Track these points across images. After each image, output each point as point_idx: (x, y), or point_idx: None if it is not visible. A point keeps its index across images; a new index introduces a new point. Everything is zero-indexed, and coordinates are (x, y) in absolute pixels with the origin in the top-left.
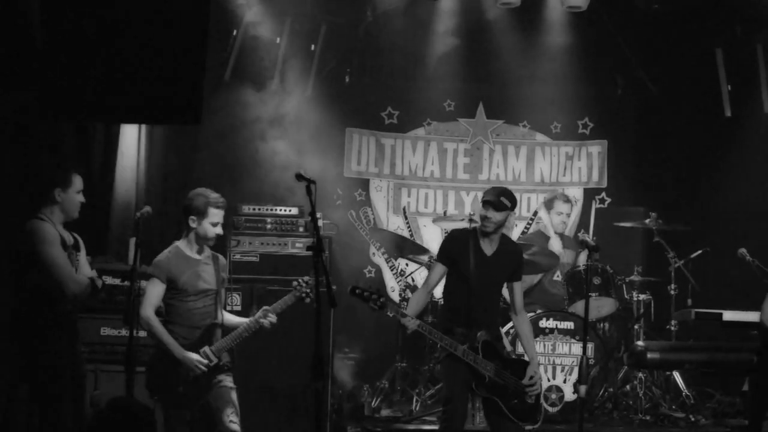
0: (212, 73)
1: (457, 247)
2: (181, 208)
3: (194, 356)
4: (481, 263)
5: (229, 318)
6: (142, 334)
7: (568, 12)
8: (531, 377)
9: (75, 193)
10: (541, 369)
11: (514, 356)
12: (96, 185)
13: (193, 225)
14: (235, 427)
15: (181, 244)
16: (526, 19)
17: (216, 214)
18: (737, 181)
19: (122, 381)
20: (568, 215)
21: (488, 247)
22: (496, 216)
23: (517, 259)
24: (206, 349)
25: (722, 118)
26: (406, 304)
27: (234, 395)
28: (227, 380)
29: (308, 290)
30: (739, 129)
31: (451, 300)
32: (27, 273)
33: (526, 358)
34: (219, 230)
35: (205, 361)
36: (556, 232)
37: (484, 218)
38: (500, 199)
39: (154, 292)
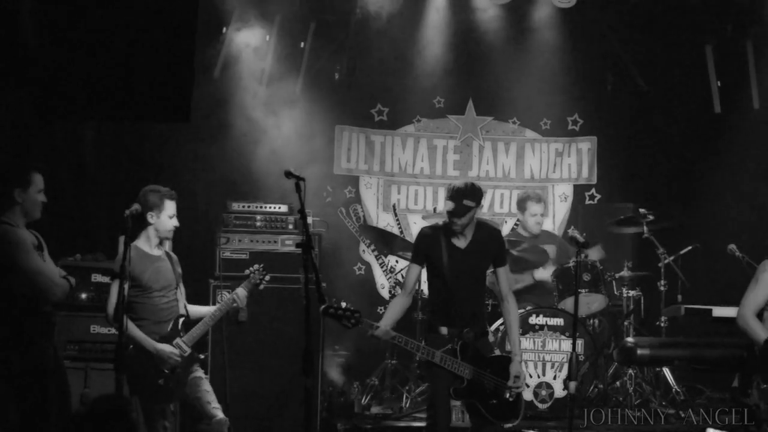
0: (201, 71)
1: (428, 244)
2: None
3: (168, 347)
4: (455, 257)
5: (195, 309)
6: None
7: (557, 8)
8: (516, 377)
9: (36, 193)
10: (531, 366)
11: (497, 352)
12: (86, 183)
13: (151, 221)
14: (221, 413)
15: (139, 242)
16: (516, 15)
17: (171, 206)
18: (727, 177)
19: (112, 379)
20: (542, 215)
21: (461, 240)
22: (462, 220)
23: (496, 244)
24: (179, 340)
25: (712, 114)
26: None
27: (208, 384)
28: (199, 371)
29: (261, 277)
30: (729, 125)
31: (433, 297)
32: (4, 280)
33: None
34: (176, 222)
35: (178, 351)
36: (531, 234)
37: (452, 223)
38: (463, 204)
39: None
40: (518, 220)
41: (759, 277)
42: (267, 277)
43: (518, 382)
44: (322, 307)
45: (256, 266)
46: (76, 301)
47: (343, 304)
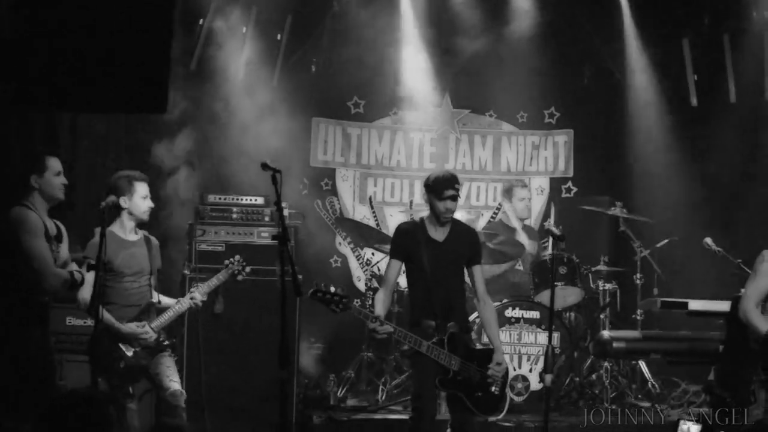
0: (178, 62)
1: (408, 240)
2: (106, 195)
3: (135, 327)
4: (435, 251)
5: (164, 299)
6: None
7: (534, 1)
8: (498, 364)
9: (53, 176)
10: (507, 358)
11: (481, 346)
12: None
13: (124, 205)
14: (176, 385)
15: (114, 228)
16: (493, 7)
17: (142, 187)
18: (703, 170)
19: (87, 371)
20: (530, 199)
21: (439, 234)
22: (456, 205)
23: (472, 241)
24: (145, 325)
25: (688, 107)
26: (372, 293)
27: (172, 361)
28: (166, 353)
29: (240, 268)
30: (705, 119)
31: (414, 292)
32: (4, 260)
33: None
34: (150, 203)
35: (145, 331)
36: (521, 219)
37: (448, 211)
38: (457, 188)
39: (91, 275)
40: (504, 210)
41: (758, 268)
42: (247, 269)
43: (498, 368)
44: (311, 290)
45: (237, 257)
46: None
47: (332, 288)
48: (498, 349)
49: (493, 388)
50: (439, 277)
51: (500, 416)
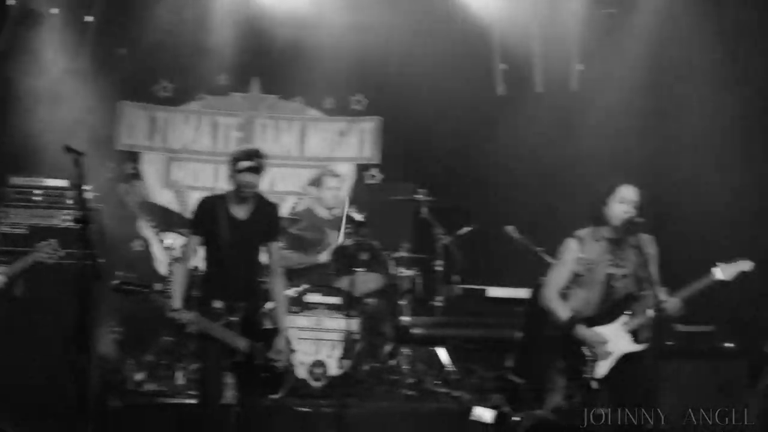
0: None
1: (207, 215)
2: None
3: None
4: (234, 229)
5: None
6: None
7: None
8: (279, 351)
9: None
10: (308, 344)
11: (270, 326)
12: None
13: None
14: None
15: None
16: None
17: None
18: (507, 159)
19: None
20: (338, 188)
21: (241, 211)
22: (257, 179)
23: (272, 216)
24: None
25: (494, 96)
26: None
27: None
28: None
29: (51, 251)
30: (511, 107)
31: (209, 270)
32: None
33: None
34: None
35: None
36: (328, 208)
37: (247, 184)
38: (261, 162)
39: None
40: (311, 196)
41: (561, 257)
42: (60, 253)
43: (280, 355)
44: (113, 283)
45: (52, 241)
46: None
47: (133, 280)
48: (281, 332)
49: (277, 368)
50: (237, 257)
51: (282, 395)
